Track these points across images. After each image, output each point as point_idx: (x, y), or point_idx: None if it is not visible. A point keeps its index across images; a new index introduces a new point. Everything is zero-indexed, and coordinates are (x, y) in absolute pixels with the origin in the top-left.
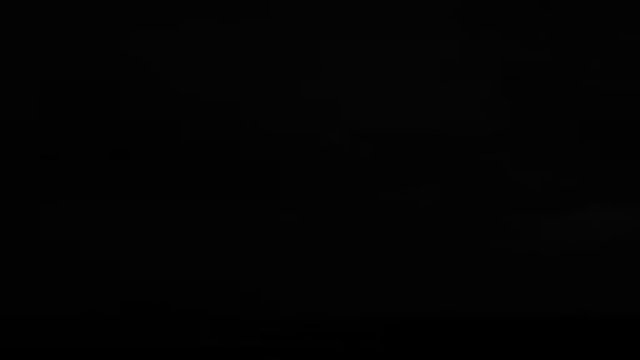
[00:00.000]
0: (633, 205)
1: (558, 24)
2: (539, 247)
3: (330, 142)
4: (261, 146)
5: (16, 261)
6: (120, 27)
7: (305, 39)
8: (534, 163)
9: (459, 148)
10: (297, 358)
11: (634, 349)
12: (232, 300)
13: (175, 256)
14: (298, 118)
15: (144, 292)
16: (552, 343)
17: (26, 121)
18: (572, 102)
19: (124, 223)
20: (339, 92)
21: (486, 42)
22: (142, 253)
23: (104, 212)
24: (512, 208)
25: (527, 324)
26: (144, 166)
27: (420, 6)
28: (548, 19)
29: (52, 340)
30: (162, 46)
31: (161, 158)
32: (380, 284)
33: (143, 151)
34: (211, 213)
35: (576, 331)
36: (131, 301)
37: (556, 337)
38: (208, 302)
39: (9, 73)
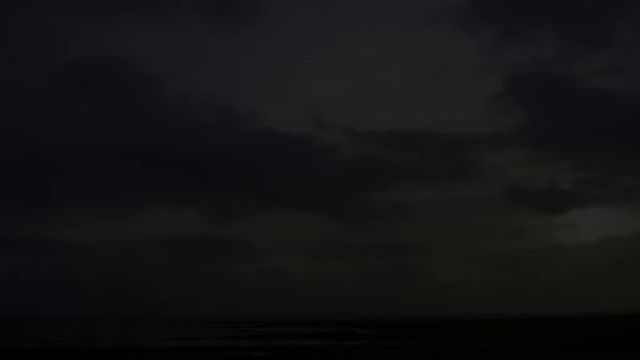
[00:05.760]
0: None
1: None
2: (539, 245)
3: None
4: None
5: None
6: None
7: (304, 39)
8: (536, 163)
9: (460, 147)
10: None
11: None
12: None
13: None
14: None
15: None
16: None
17: None
18: (574, 103)
19: None
20: (337, 92)
21: (490, 43)
22: None
23: None
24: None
25: (527, 323)
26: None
27: (422, 6)
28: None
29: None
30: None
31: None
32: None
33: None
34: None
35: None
36: None
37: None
38: None
39: None
